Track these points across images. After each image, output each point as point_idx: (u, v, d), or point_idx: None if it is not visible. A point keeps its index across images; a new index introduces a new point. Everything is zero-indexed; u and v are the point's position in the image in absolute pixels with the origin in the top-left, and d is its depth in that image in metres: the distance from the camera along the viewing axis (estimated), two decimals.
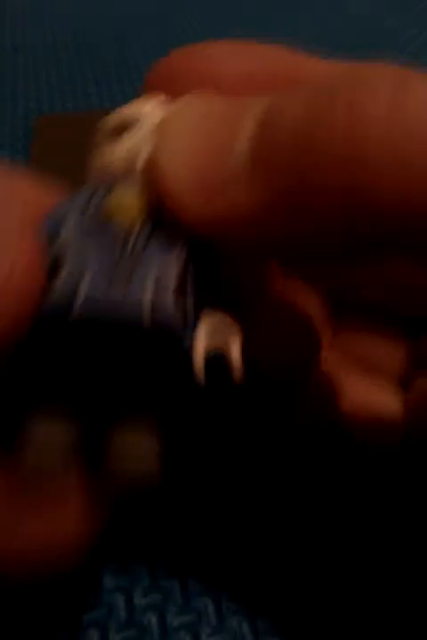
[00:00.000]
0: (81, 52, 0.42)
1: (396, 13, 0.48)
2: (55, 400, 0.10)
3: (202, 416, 0.14)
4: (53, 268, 0.10)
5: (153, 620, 0.16)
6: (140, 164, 0.10)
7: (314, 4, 0.49)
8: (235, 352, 0.10)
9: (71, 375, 0.10)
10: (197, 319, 0.10)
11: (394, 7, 0.48)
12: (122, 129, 0.11)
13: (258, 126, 0.09)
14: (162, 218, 0.10)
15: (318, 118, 0.08)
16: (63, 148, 0.32)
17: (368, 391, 0.14)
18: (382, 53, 0.42)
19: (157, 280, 0.09)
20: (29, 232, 0.10)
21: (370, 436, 0.13)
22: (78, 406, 0.10)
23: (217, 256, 0.10)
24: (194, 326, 0.10)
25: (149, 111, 0.11)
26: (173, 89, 0.11)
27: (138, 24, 0.46)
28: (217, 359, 0.10)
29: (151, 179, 0.10)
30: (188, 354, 0.10)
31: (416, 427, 0.13)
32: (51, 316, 0.09)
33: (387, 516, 0.15)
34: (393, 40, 0.43)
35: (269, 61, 0.12)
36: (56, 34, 0.44)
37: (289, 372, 0.13)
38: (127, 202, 0.10)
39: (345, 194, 0.08)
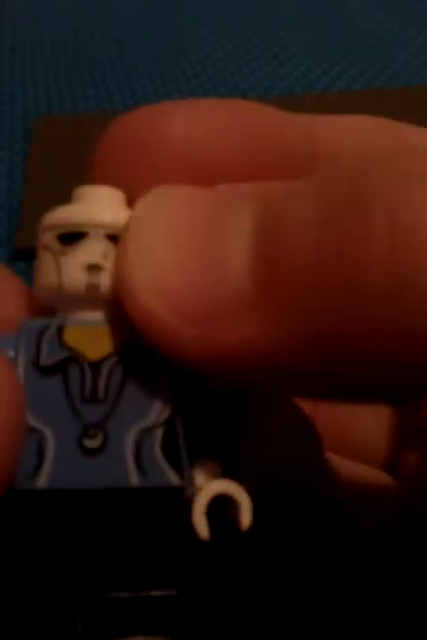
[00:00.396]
0: (79, 53, 0.42)
1: (396, 13, 0.48)
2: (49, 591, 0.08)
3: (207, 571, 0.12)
4: None
5: None
6: (103, 285, 0.08)
7: (314, 4, 0.49)
8: (244, 498, 0.08)
9: (43, 585, 0.08)
10: (191, 464, 0.08)
11: (394, 7, 0.48)
12: (69, 237, 0.09)
13: (255, 235, 0.07)
14: (135, 350, 0.08)
15: (347, 239, 0.07)
16: (61, 150, 0.32)
17: (359, 472, 0.12)
18: (382, 53, 0.42)
19: (139, 433, 0.08)
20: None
21: (369, 516, 0.12)
22: (70, 616, 0.08)
23: (202, 384, 0.08)
24: (189, 474, 0.08)
25: (103, 220, 0.09)
26: (131, 168, 0.09)
27: (136, 26, 0.46)
28: (216, 508, 0.08)
29: (122, 303, 0.08)
30: (187, 506, 0.08)
31: (414, 503, 0.12)
32: (19, 490, 0.07)
33: (389, 599, 0.15)
34: (393, 40, 0.43)
35: (245, 125, 0.09)
36: (55, 35, 0.44)
37: (293, 472, 0.10)
38: (91, 334, 0.08)
39: (390, 324, 0.06)
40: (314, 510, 0.12)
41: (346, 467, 0.12)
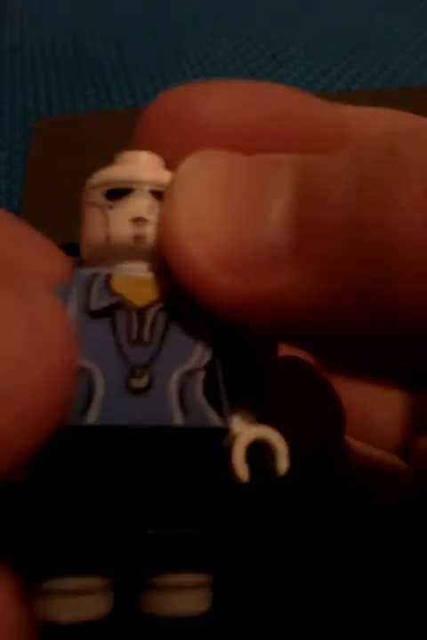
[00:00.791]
0: (79, 53, 0.42)
1: (395, 13, 0.48)
2: (79, 562, 0.08)
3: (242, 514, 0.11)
4: None
5: None
6: (148, 236, 0.09)
7: (313, 5, 0.49)
8: (280, 443, 0.08)
9: (94, 523, 0.08)
10: (231, 410, 0.08)
11: (394, 7, 0.48)
12: (116, 192, 0.09)
13: (295, 194, 0.08)
14: (178, 298, 0.09)
15: (384, 195, 0.07)
16: (61, 150, 0.32)
17: (372, 454, 0.12)
18: (381, 53, 0.42)
19: (182, 375, 0.08)
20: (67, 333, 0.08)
21: (378, 499, 0.12)
22: (107, 568, 0.08)
23: (240, 337, 0.09)
24: (228, 418, 0.08)
25: (148, 177, 0.09)
26: (170, 138, 0.10)
27: (136, 26, 0.46)
28: (254, 454, 0.08)
29: (165, 253, 0.08)
30: (226, 452, 0.08)
31: (424, 490, 0.12)
32: (70, 426, 0.08)
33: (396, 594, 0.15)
34: (393, 40, 0.43)
35: (277, 105, 0.10)
36: (54, 35, 0.44)
37: (316, 449, 0.11)
38: (136, 281, 0.09)
39: (417, 288, 0.07)
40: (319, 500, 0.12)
41: (359, 448, 0.12)
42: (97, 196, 0.09)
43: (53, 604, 0.08)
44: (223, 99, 0.10)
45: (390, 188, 0.07)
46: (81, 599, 0.08)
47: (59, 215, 0.27)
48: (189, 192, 0.08)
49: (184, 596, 0.08)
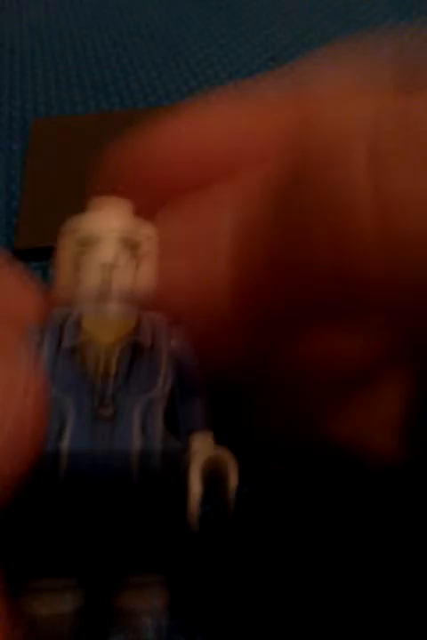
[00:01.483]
0: (78, 55, 0.42)
1: (398, 16, 0.48)
2: (55, 566, 0.09)
3: (199, 557, 0.13)
4: None
5: None
6: (114, 281, 0.10)
7: (312, 7, 0.49)
8: (232, 462, 0.09)
9: (68, 534, 0.09)
10: (189, 434, 0.09)
11: (396, 10, 0.48)
12: (87, 242, 0.10)
13: (234, 243, 0.09)
14: (142, 335, 0.10)
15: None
16: (60, 151, 0.32)
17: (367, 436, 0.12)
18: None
19: (145, 404, 0.09)
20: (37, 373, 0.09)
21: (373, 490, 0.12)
22: (81, 570, 0.09)
23: (202, 367, 0.10)
24: (186, 441, 0.09)
25: (115, 226, 0.10)
26: (131, 182, 0.11)
27: (135, 28, 0.46)
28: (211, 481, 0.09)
29: (148, 301, 0.10)
30: (183, 493, 0.09)
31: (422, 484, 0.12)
32: (39, 473, 0.09)
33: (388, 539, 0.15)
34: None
35: (221, 126, 0.11)
36: (53, 37, 0.44)
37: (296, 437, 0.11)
38: (105, 320, 0.10)
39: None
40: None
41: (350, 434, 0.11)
42: (70, 242, 0.11)
43: (34, 601, 0.09)
44: (174, 129, 0.11)
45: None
46: (57, 595, 0.09)
47: (58, 216, 0.27)
48: (164, 252, 0.10)
49: (147, 592, 0.09)
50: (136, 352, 0.10)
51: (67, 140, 0.32)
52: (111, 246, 0.10)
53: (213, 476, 0.09)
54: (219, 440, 0.10)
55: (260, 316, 0.09)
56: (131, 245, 0.10)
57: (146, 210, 0.10)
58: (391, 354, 0.09)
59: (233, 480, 0.09)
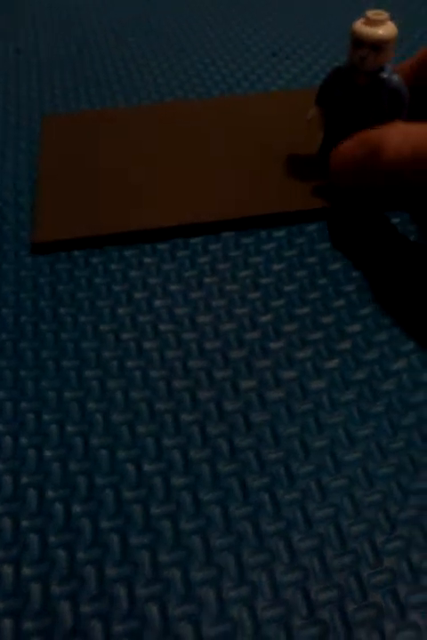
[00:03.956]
0: (82, 52, 0.43)
1: (395, 8, 0.48)
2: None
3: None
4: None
5: (178, 574, 0.17)
6: (366, 63, 0.25)
7: (313, 1, 0.50)
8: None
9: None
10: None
11: (395, 3, 0.48)
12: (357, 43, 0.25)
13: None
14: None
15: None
16: (70, 146, 0.32)
17: None
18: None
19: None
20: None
21: None
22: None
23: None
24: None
25: (369, 35, 0.25)
26: None
27: (138, 23, 0.46)
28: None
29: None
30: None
31: None
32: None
33: None
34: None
35: None
36: (58, 35, 0.45)
37: None
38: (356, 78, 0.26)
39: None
40: None
41: None
42: (351, 40, 0.25)
43: None
44: None
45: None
46: None
47: (72, 211, 0.28)
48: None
49: None
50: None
51: (76, 135, 0.33)
52: (365, 48, 0.25)
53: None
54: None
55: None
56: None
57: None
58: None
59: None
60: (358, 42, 0.24)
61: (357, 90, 0.26)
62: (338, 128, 0.28)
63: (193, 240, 0.28)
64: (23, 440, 0.20)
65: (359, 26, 0.24)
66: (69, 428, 0.21)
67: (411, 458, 0.20)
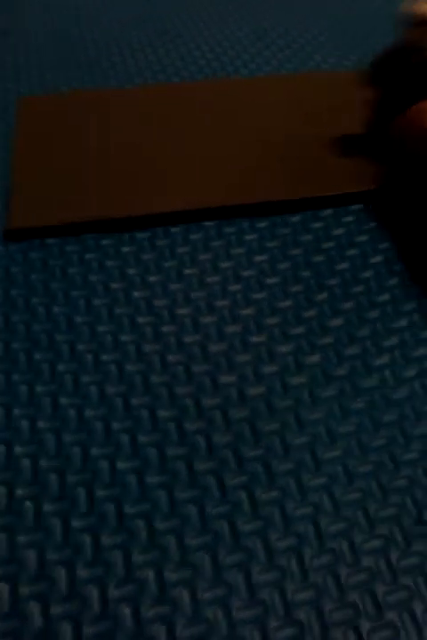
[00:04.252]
0: (71, 35, 0.41)
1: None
2: None
3: None
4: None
5: (150, 575, 0.16)
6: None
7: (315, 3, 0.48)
8: None
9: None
10: None
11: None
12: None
13: None
14: None
15: None
16: (47, 128, 0.31)
17: None
18: (369, 34, 0.41)
19: None
20: None
21: None
22: None
23: None
24: None
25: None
26: None
27: (128, 8, 0.45)
28: None
29: None
30: None
31: None
32: None
33: None
34: (384, 19, 0.43)
35: None
36: (46, 18, 0.43)
37: None
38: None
39: None
40: None
41: None
42: (408, 20, 0.30)
43: None
44: None
45: None
46: None
47: (47, 196, 0.27)
48: None
49: None
50: None
51: (53, 118, 0.32)
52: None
53: None
54: None
55: None
56: None
57: None
58: None
59: None
60: (422, 21, 0.28)
61: (415, 67, 0.29)
62: (394, 105, 0.30)
63: (173, 229, 0.27)
64: None
65: (422, 6, 0.28)
66: (41, 424, 0.20)
67: (391, 455, 0.20)
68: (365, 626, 0.16)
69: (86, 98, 0.34)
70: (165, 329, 0.23)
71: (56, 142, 0.31)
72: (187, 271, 0.25)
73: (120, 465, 0.19)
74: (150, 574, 0.17)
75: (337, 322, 0.24)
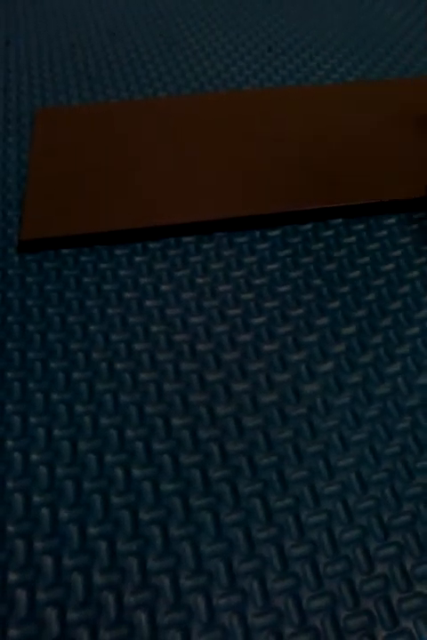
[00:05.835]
0: (74, 46, 0.42)
1: (394, 3, 0.48)
2: None
3: None
4: None
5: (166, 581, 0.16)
6: None
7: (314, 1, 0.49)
8: None
9: None
10: None
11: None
12: None
13: None
14: None
15: None
16: (63, 140, 0.32)
17: None
18: (378, 43, 0.41)
19: None
20: None
21: None
22: None
23: None
24: None
25: None
26: None
27: (132, 19, 0.46)
28: None
29: None
30: None
31: None
32: None
33: None
34: (391, 30, 0.43)
35: None
36: (50, 28, 0.44)
37: None
38: None
39: None
40: None
41: None
42: None
43: None
44: None
45: None
46: None
47: (61, 208, 0.27)
48: None
49: None
50: None
51: (69, 131, 0.32)
52: None
53: None
54: None
55: None
56: None
57: None
58: None
59: None
60: None
61: None
62: None
63: (185, 239, 0.27)
64: (9, 443, 0.20)
65: None
66: (57, 432, 0.20)
67: (404, 463, 0.20)
68: (380, 633, 0.16)
69: (100, 110, 0.35)
70: (177, 337, 0.23)
71: (71, 154, 0.31)
72: (199, 280, 0.25)
73: (135, 472, 0.19)
74: (166, 581, 0.17)
75: (349, 330, 0.24)
